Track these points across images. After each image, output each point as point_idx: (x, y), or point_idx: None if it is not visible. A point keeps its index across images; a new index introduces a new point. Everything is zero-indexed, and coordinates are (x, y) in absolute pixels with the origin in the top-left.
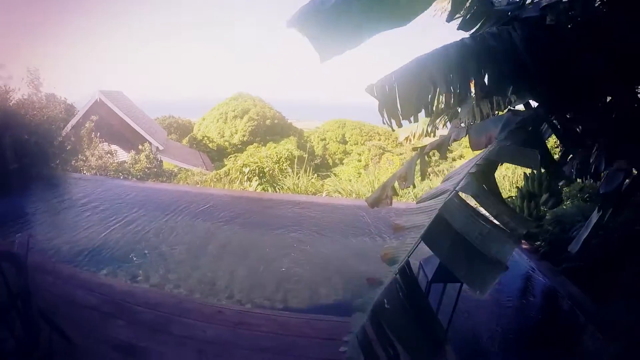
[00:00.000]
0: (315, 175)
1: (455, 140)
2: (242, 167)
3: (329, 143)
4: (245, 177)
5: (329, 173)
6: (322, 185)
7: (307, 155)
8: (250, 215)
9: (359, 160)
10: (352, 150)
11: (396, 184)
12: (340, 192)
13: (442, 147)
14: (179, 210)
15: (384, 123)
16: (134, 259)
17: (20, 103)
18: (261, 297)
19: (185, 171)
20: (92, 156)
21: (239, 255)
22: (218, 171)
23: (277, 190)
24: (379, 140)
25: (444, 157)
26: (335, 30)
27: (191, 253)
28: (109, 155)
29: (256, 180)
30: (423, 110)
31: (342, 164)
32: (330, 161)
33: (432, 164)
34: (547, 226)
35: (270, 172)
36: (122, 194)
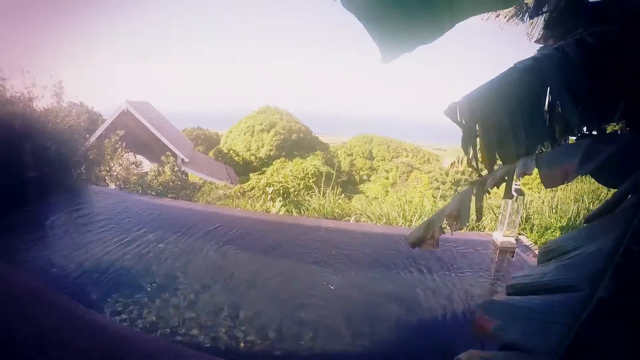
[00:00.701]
0: (342, 194)
1: (524, 174)
2: (266, 186)
3: (355, 159)
4: (269, 196)
5: (356, 190)
6: (349, 206)
7: (334, 172)
8: (269, 242)
9: (387, 178)
10: (379, 166)
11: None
12: (369, 217)
13: (507, 183)
14: (187, 231)
15: (470, 165)
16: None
17: (42, 111)
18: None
19: (209, 184)
20: (117, 166)
21: (249, 295)
22: (242, 185)
23: (302, 211)
24: (407, 157)
25: (508, 196)
26: (406, 22)
27: (191, 287)
28: (133, 166)
29: (280, 201)
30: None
31: (369, 180)
32: (357, 177)
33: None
34: None
35: (295, 192)
36: (132, 210)
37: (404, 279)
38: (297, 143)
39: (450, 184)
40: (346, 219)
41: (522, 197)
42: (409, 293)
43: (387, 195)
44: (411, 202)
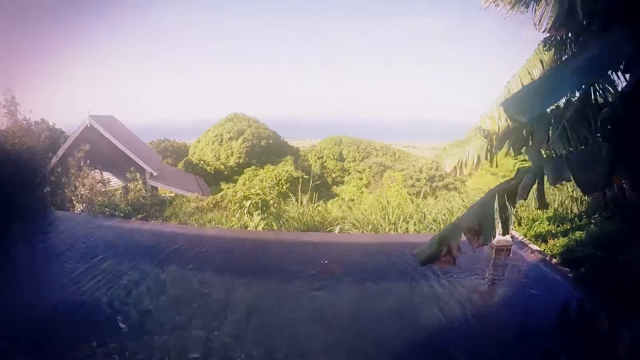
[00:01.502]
0: (321, 200)
1: (561, 180)
2: (243, 199)
3: (326, 161)
4: (246, 209)
5: (330, 192)
6: (329, 212)
7: (307, 176)
8: (255, 265)
9: (360, 179)
10: (350, 167)
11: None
12: (354, 224)
13: (539, 190)
14: (162, 260)
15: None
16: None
17: None
18: None
19: (180, 197)
20: (81, 186)
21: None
22: (215, 196)
23: (282, 223)
24: (377, 156)
25: (543, 206)
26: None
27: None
28: (100, 184)
29: (258, 214)
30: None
31: (342, 182)
32: (329, 179)
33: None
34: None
35: (275, 204)
36: (99, 238)
37: (403, 291)
38: (266, 149)
39: (425, 180)
40: (330, 229)
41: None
42: (409, 306)
43: (362, 195)
44: (389, 202)
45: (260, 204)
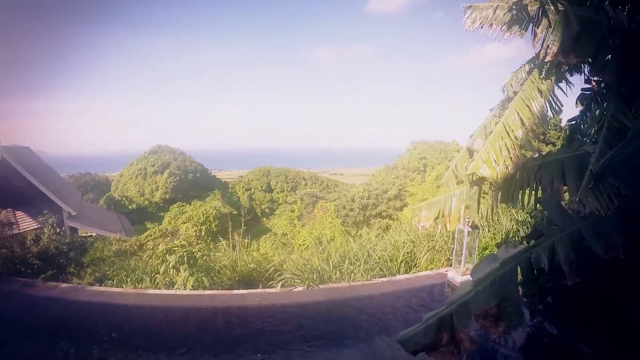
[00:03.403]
0: (252, 236)
1: None
2: (166, 253)
3: (254, 193)
4: (171, 264)
5: (261, 227)
6: (264, 254)
7: (236, 211)
8: (186, 344)
9: (292, 211)
10: (279, 197)
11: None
12: (296, 275)
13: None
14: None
15: None
16: None
17: None
18: None
19: (102, 240)
20: None
21: None
22: (139, 237)
23: (214, 275)
24: (306, 185)
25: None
26: None
27: None
28: (7, 228)
29: (185, 269)
30: None
31: (273, 214)
32: (258, 211)
33: (365, 209)
34: None
35: (203, 255)
36: None
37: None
38: (193, 183)
39: (358, 209)
40: (270, 283)
41: (477, 231)
42: None
43: (295, 229)
44: (330, 240)
45: (186, 257)
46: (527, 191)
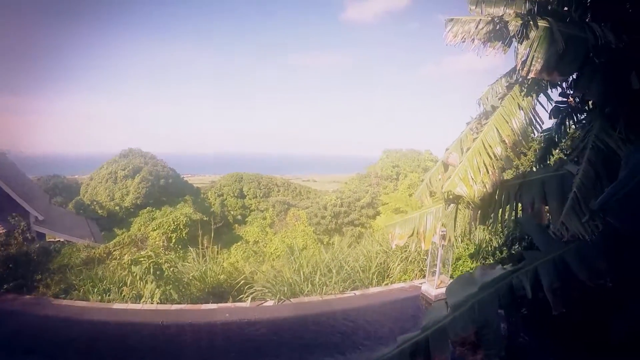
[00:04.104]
0: (224, 244)
1: None
2: (131, 264)
3: (226, 199)
4: (138, 276)
5: (232, 234)
6: (234, 264)
7: (207, 218)
8: None
9: (264, 218)
10: (251, 204)
11: None
12: (267, 288)
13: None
14: None
15: None
16: None
17: None
18: None
19: (70, 246)
20: None
21: None
22: (107, 245)
23: (183, 288)
24: (278, 192)
25: None
26: None
27: None
28: None
29: (152, 281)
30: None
31: (245, 221)
32: (230, 217)
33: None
34: None
35: (170, 267)
36: None
37: None
38: (165, 189)
39: (330, 217)
40: (240, 297)
41: (449, 241)
42: None
43: (267, 237)
44: (302, 249)
45: (152, 269)
46: (507, 211)
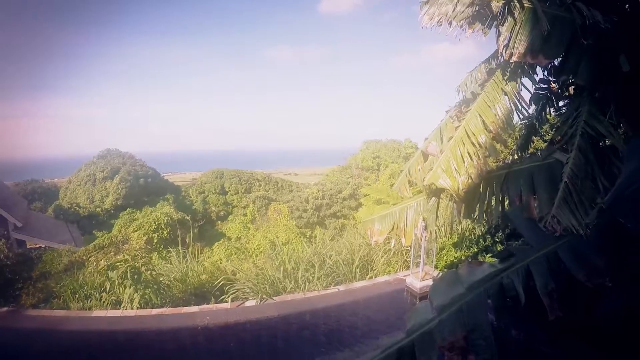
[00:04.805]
0: (206, 241)
1: None
2: (108, 269)
3: (208, 196)
4: (116, 281)
5: (215, 231)
6: (216, 264)
7: (188, 217)
8: None
9: (245, 215)
10: (233, 200)
11: None
12: (250, 288)
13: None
14: None
15: None
16: None
17: None
18: None
19: (51, 252)
20: None
21: None
22: (87, 247)
23: (163, 290)
24: (260, 187)
25: None
26: None
27: None
28: None
29: (131, 285)
30: None
31: (227, 219)
32: (212, 214)
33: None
34: None
35: (149, 271)
36: None
37: None
38: (145, 188)
39: (312, 210)
40: (222, 298)
41: (432, 233)
42: None
43: (249, 232)
44: (285, 243)
45: (129, 273)
46: (493, 204)
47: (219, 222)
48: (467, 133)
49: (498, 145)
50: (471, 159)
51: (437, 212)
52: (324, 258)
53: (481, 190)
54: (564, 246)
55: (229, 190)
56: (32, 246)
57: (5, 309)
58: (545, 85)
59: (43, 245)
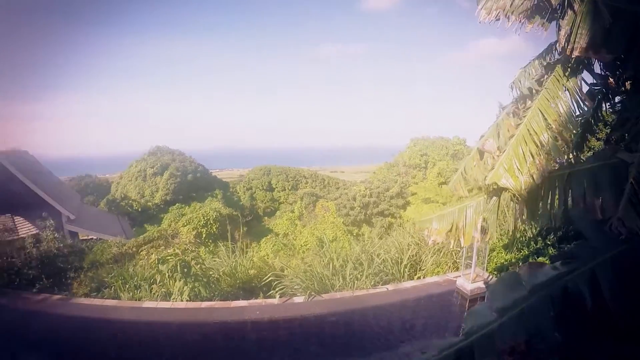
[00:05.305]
0: (253, 237)
1: None
2: (158, 263)
3: (255, 192)
4: (167, 275)
5: (262, 227)
6: (264, 259)
7: (236, 212)
8: None
9: (292, 212)
10: (280, 196)
11: None
12: (298, 284)
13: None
14: None
15: None
16: None
17: None
18: None
19: (101, 244)
20: None
21: None
22: (137, 239)
23: (212, 284)
24: (306, 184)
25: None
26: None
27: None
28: (6, 233)
29: (180, 279)
30: None
31: (274, 215)
32: (259, 210)
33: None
34: None
35: (199, 265)
36: None
37: None
38: (193, 184)
39: (359, 208)
40: (270, 293)
41: (492, 234)
42: None
43: (296, 229)
44: (332, 241)
45: (179, 267)
46: (556, 205)
47: (266, 218)
48: (528, 131)
49: (559, 144)
50: (533, 158)
51: (497, 213)
52: (372, 256)
53: (543, 190)
54: (630, 249)
55: (276, 187)
56: (84, 237)
57: (58, 296)
58: (601, 81)
59: (94, 237)
